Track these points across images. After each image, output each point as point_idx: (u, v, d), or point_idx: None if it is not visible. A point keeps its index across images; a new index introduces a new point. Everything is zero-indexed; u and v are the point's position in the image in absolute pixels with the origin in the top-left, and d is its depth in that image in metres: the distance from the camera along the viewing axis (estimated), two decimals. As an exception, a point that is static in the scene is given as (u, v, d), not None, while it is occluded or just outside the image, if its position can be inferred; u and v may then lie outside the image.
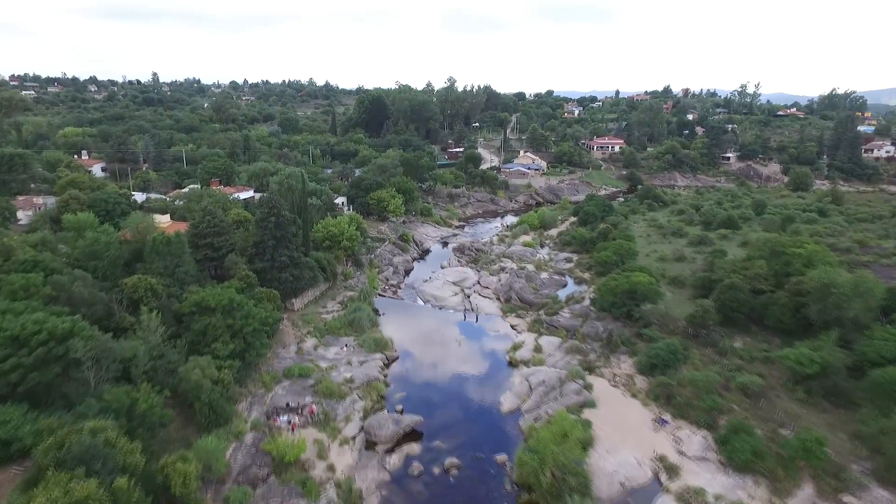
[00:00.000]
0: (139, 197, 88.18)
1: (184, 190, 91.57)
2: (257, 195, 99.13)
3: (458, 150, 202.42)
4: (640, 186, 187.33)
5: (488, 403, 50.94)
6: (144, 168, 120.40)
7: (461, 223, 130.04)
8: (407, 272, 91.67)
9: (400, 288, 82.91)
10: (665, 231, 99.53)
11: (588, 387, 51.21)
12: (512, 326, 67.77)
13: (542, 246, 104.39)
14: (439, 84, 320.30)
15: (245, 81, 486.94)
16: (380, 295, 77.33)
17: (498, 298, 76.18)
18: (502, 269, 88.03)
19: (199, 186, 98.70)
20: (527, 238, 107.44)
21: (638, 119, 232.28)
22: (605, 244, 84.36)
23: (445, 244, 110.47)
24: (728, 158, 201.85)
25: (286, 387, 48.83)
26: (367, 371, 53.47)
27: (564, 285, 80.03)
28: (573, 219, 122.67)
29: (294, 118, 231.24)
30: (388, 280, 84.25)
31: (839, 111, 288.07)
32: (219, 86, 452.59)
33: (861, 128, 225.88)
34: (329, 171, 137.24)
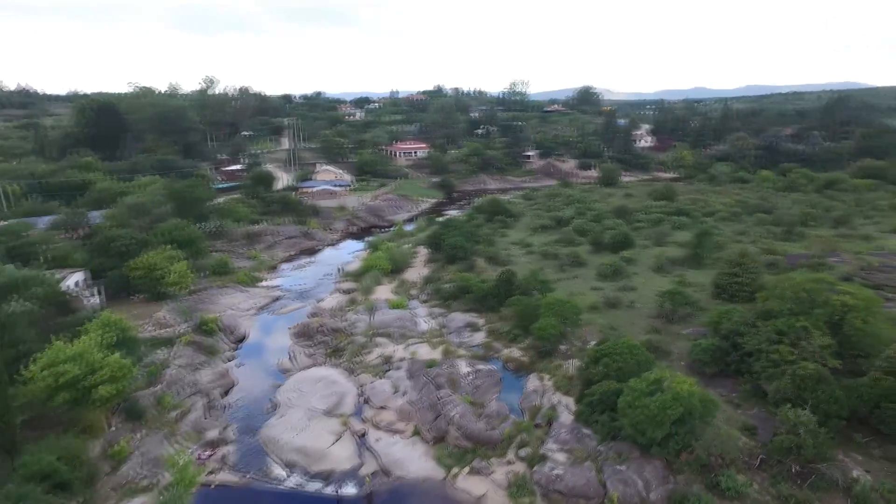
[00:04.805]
0: None
1: None
2: None
3: (236, 167, 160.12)
4: (455, 194, 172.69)
5: None
6: None
7: (273, 273, 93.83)
8: (226, 392, 54.85)
9: (228, 443, 46.26)
10: (561, 261, 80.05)
11: None
12: (473, 497, 38.80)
13: (410, 299, 76.40)
14: (186, 87, 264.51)
15: None
16: (203, 486, 40.26)
17: (417, 432, 45.91)
18: (388, 360, 57.54)
19: None
20: (388, 293, 77.90)
21: (433, 120, 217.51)
22: (522, 301, 60.29)
23: (261, 309, 74.73)
24: (529, 157, 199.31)
25: None
26: None
27: (499, 380, 53.36)
28: (424, 250, 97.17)
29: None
30: (202, 433, 46.68)
31: (591, 106, 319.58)
32: None
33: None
34: (43, 222, 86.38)
